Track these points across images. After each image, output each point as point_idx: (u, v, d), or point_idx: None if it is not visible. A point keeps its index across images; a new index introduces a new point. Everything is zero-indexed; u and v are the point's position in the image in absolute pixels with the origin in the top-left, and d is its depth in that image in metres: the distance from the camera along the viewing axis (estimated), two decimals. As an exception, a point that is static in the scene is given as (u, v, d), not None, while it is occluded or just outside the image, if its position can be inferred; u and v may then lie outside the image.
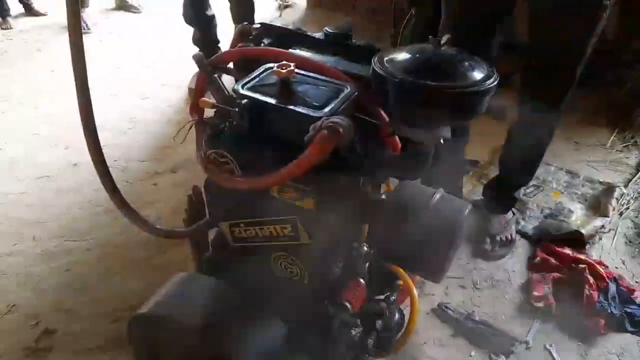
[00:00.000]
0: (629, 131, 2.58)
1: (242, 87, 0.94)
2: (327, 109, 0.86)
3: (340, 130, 0.76)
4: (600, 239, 1.97)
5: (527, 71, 1.67)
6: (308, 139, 0.78)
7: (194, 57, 1.02)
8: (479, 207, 2.05)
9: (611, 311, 1.64)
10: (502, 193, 1.99)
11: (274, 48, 1.04)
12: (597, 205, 2.08)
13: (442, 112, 0.83)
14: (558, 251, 1.86)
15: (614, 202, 2.07)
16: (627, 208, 2.12)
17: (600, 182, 2.22)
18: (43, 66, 3.39)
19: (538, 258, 1.87)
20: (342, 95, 0.91)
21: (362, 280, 1.11)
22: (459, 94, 0.81)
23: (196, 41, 3.00)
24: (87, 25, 3.93)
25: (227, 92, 1.02)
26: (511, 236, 1.97)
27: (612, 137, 2.56)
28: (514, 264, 1.92)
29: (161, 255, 2.00)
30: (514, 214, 2.04)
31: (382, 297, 1.21)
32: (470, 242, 1.99)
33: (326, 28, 1.15)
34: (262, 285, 1.11)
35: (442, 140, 0.85)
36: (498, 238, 1.95)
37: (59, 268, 1.95)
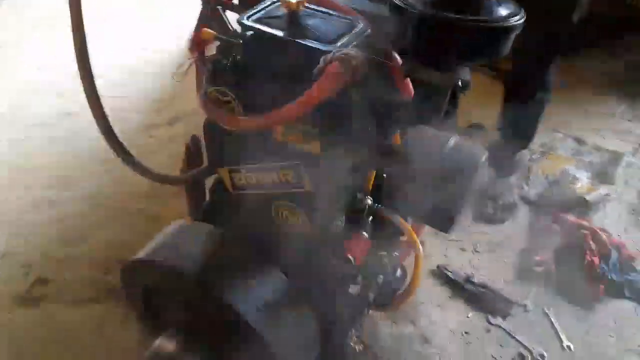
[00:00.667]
0: (640, 101, 2.52)
1: (247, 19, 0.87)
2: (338, 43, 0.80)
3: (353, 62, 0.70)
4: (605, 207, 1.94)
5: None
6: (318, 71, 0.72)
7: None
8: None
9: (611, 277, 1.63)
10: (504, 156, 1.95)
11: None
12: (603, 174, 2.04)
13: (464, 48, 0.76)
14: (561, 217, 1.82)
15: (620, 170, 2.03)
16: (633, 177, 2.08)
17: (607, 151, 2.17)
18: (29, 10, 3.24)
19: (539, 223, 1.84)
20: (355, 30, 0.84)
21: (364, 233, 1.07)
22: (483, 29, 0.75)
23: None
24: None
25: (230, 27, 0.95)
26: (513, 200, 1.93)
27: (622, 106, 2.50)
28: (515, 228, 1.89)
29: (155, 207, 1.96)
30: (516, 178, 2.01)
31: (384, 252, 1.18)
32: (471, 205, 1.95)
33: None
34: (262, 235, 1.07)
35: (459, 83, 0.79)
36: (500, 202, 1.91)
37: (51, 217, 1.90)
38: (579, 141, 2.25)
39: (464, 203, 0.73)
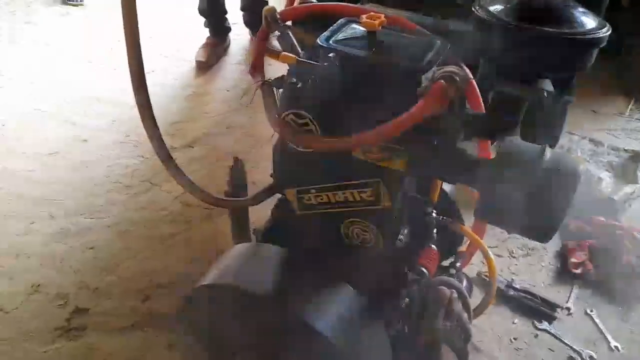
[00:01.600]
0: (647, 100, 2.58)
1: (327, 40, 0.87)
2: (424, 62, 0.81)
3: (458, 79, 0.71)
4: (631, 205, 1.98)
5: None
6: (424, 89, 0.73)
7: (265, 10, 0.94)
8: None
9: (650, 275, 1.65)
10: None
11: (348, 4, 0.97)
12: (625, 173, 2.09)
13: (549, 61, 0.78)
14: (593, 218, 1.85)
15: (641, 169, 2.07)
16: (653, 175, 2.13)
17: (625, 150, 2.22)
18: (34, 40, 3.21)
19: (572, 225, 1.86)
20: (435, 47, 0.85)
21: (433, 246, 1.07)
22: (570, 41, 0.76)
23: (202, 11, 2.88)
24: (79, -4, 3.74)
25: (299, 49, 0.95)
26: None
27: (630, 106, 2.56)
28: (547, 232, 1.91)
29: (183, 232, 1.94)
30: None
31: (447, 264, 1.19)
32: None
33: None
34: (331, 254, 1.07)
35: (545, 94, 0.81)
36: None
37: (81, 246, 1.87)
38: (595, 142, 2.29)
39: (566, 213, 0.74)
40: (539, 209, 0.72)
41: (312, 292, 1.00)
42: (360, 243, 1.04)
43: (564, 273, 1.75)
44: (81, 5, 3.72)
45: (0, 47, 3.11)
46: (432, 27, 0.94)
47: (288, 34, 0.95)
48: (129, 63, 0.96)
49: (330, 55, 0.83)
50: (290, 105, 0.90)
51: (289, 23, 1.02)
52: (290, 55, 0.86)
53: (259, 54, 1.04)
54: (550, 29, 0.76)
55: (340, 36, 0.89)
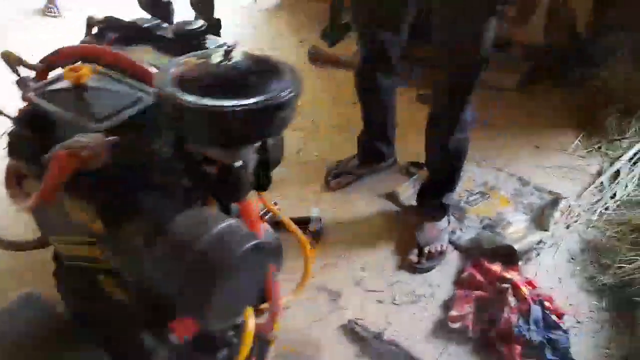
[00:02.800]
0: (595, 136, 2.40)
1: (36, 90, 0.82)
2: (104, 124, 0.74)
3: (83, 152, 0.65)
4: (539, 254, 1.83)
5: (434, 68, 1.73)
6: (47, 159, 0.67)
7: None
8: (411, 214, 1.94)
9: (530, 337, 1.51)
10: (432, 199, 1.87)
11: (94, 45, 0.92)
12: (541, 217, 1.93)
13: (235, 132, 0.70)
14: (487, 267, 1.72)
15: (557, 214, 1.91)
16: (576, 221, 1.97)
17: (549, 192, 2.05)
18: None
19: (466, 273, 1.74)
20: (138, 105, 0.79)
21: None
22: (249, 112, 0.69)
23: (144, 5, 2.82)
24: (57, 9, 3.83)
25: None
26: (441, 247, 1.84)
27: (575, 142, 2.39)
28: (442, 277, 1.79)
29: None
30: (449, 222, 1.91)
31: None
32: (396, 252, 1.86)
33: (177, 22, 1.03)
34: (92, 310, 1.01)
35: (246, 161, 0.73)
36: (427, 249, 1.82)
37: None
38: (522, 181, 2.14)
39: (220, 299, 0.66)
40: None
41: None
42: (115, 300, 0.98)
43: (444, 326, 1.62)
44: (60, 16, 3.82)
45: None
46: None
47: (24, 78, 0.91)
48: None
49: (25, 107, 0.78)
50: (12, 155, 0.86)
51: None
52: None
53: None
54: (221, 104, 0.69)
55: (54, 85, 0.84)
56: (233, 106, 0.66)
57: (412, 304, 1.71)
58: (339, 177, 2.17)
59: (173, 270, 0.67)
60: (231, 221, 0.72)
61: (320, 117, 2.68)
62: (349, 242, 1.93)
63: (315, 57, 3.06)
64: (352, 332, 1.60)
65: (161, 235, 0.73)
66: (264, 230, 1.08)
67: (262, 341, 1.19)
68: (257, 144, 0.81)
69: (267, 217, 1.20)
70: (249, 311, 1.00)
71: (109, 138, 0.68)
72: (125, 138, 0.70)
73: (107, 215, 0.76)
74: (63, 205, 0.80)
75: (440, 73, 1.65)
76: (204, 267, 0.65)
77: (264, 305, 1.13)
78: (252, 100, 0.68)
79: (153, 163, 0.76)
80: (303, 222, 1.96)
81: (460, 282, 1.73)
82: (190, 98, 0.67)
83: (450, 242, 1.88)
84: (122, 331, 0.95)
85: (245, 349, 0.94)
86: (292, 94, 0.70)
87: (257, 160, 0.84)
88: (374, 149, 2.15)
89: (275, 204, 1.24)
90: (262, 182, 0.94)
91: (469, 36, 1.44)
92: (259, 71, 0.72)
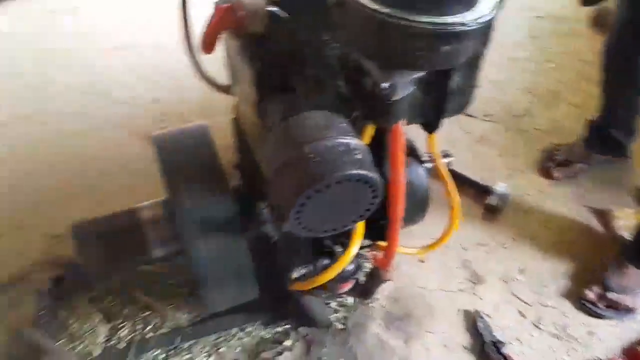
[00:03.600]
0: None
1: None
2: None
3: (239, 12, 0.65)
4: None
5: None
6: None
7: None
8: (617, 245, 1.57)
9: None
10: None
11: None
12: None
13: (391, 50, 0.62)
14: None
15: None
16: None
17: None
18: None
19: (643, 348, 1.36)
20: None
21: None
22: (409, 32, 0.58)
23: None
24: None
25: None
26: (632, 304, 1.46)
27: None
28: (610, 334, 1.44)
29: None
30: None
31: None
32: (571, 276, 1.55)
33: None
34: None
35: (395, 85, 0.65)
36: (611, 296, 1.46)
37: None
38: None
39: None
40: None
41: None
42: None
43: None
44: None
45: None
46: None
47: None
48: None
49: None
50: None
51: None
52: None
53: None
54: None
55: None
56: (398, 17, 0.56)
57: (554, 338, 1.44)
58: (563, 165, 1.85)
59: (274, 160, 0.66)
60: (354, 142, 0.66)
61: (564, 87, 2.30)
62: (523, 237, 1.68)
63: (601, 22, 2.53)
64: (473, 323, 1.45)
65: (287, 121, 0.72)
66: (414, 170, 0.99)
67: (376, 275, 1.16)
68: (419, 75, 0.69)
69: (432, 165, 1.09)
70: (359, 234, 0.96)
71: (270, 8, 0.66)
72: (289, 16, 0.67)
73: (258, 83, 0.77)
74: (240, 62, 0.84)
75: None
76: (299, 172, 0.62)
77: (382, 243, 1.08)
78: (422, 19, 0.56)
79: (311, 51, 0.72)
80: (481, 190, 1.77)
81: (630, 352, 1.37)
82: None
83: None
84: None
85: (340, 264, 0.93)
86: (471, 27, 0.55)
87: (419, 93, 0.72)
88: (609, 138, 1.76)
89: (447, 155, 1.12)
90: (430, 122, 0.83)
91: None
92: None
